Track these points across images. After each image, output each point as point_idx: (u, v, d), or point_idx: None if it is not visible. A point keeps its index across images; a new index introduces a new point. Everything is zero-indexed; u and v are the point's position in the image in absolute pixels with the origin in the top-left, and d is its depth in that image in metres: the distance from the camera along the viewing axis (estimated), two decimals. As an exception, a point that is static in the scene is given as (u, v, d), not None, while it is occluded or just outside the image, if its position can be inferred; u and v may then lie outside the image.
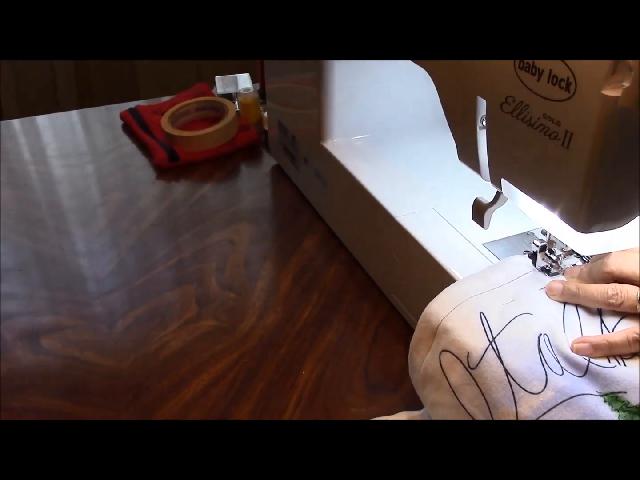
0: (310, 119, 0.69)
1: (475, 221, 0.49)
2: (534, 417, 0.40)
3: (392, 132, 0.69)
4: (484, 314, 0.44)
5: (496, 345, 0.42)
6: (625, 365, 0.42)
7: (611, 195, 0.36)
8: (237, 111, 0.92)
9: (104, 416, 0.52)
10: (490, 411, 0.42)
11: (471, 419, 0.43)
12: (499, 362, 0.42)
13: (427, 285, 0.53)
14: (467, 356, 0.43)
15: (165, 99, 1.00)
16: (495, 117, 0.40)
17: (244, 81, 0.97)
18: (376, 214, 0.60)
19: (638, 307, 0.43)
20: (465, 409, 0.43)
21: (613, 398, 0.39)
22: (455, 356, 0.44)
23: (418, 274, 0.56)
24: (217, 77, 1.01)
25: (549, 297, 0.46)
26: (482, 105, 0.41)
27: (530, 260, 0.49)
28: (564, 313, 0.45)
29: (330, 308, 0.63)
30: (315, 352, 0.58)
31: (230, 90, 0.95)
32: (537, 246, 0.48)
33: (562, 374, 0.41)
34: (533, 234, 0.54)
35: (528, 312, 0.44)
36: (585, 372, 0.41)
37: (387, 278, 0.63)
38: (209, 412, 0.52)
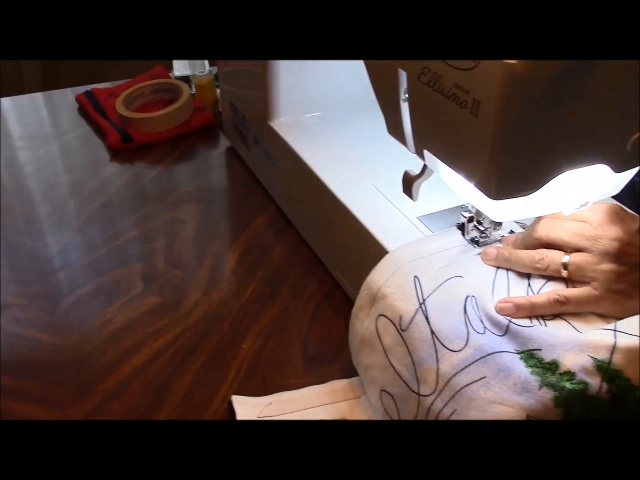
0: (258, 99, 0.70)
1: (405, 193, 0.50)
2: (452, 372, 0.42)
3: (338, 111, 0.69)
4: (418, 278, 0.46)
5: (425, 308, 0.44)
6: (546, 325, 0.44)
7: (519, 162, 0.38)
8: (193, 93, 0.92)
9: (46, 390, 0.52)
10: (415, 369, 0.44)
11: (398, 377, 0.45)
12: (426, 323, 0.44)
13: (365, 259, 0.54)
14: (400, 319, 0.45)
15: (123, 81, 1.00)
16: (414, 89, 0.42)
17: (201, 64, 0.97)
18: (318, 190, 0.61)
19: (562, 270, 0.44)
20: (394, 368, 0.45)
21: (529, 355, 0.41)
22: (390, 320, 0.46)
23: (356, 249, 0.57)
24: (174, 61, 1.01)
25: (483, 261, 0.48)
26: (404, 77, 0.42)
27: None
28: (495, 277, 0.47)
29: (275, 284, 0.64)
30: (257, 327, 0.59)
31: (186, 72, 0.96)
32: (465, 217, 0.50)
33: (484, 332, 0.43)
34: (466, 207, 0.55)
35: (459, 275, 0.46)
36: (505, 331, 0.43)
37: (330, 254, 0.64)
38: (148, 385, 0.53)
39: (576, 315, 0.45)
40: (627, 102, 0.37)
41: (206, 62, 0.98)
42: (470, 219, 0.49)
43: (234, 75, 0.77)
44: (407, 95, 0.43)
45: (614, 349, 0.40)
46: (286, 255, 0.67)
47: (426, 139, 0.43)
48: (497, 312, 0.44)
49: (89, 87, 0.99)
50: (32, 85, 1.60)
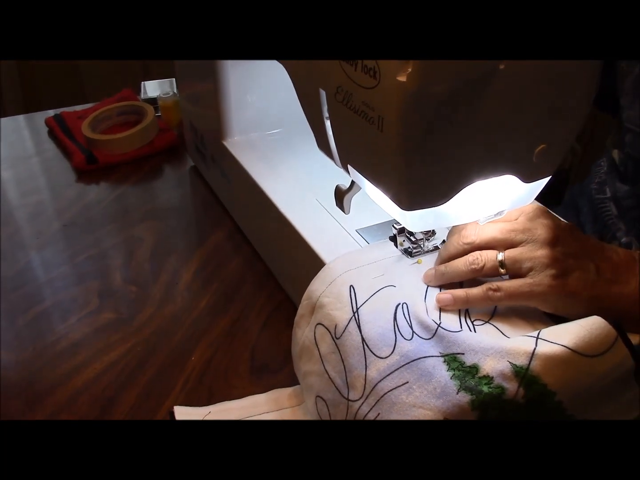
0: (214, 119, 0.72)
1: (338, 207, 0.52)
2: (378, 378, 0.43)
3: (289, 129, 0.72)
4: (353, 288, 0.48)
5: (358, 316, 0.46)
6: (475, 331, 0.46)
7: (426, 174, 0.40)
8: (159, 115, 0.95)
9: (-3, 405, 0.54)
10: (346, 375, 0.45)
11: (332, 383, 0.46)
12: (358, 331, 0.45)
13: (307, 271, 0.56)
14: (335, 327, 0.47)
15: (92, 104, 1.02)
16: (332, 107, 0.44)
17: (167, 86, 1.00)
18: (266, 206, 0.63)
19: (499, 268, 0.46)
20: (328, 375, 0.47)
21: (452, 358, 0.43)
22: (326, 328, 0.48)
23: (300, 261, 0.59)
24: (143, 83, 1.04)
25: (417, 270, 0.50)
26: (324, 96, 0.45)
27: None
28: (427, 287, 0.49)
29: (227, 298, 0.65)
30: (208, 339, 0.60)
31: (153, 94, 0.98)
32: (396, 229, 0.52)
33: (411, 338, 0.45)
34: (401, 219, 0.57)
35: (392, 285, 0.48)
36: (433, 335, 0.45)
37: (280, 268, 0.66)
38: (97, 398, 0.55)
39: (507, 321, 0.47)
40: (530, 115, 0.40)
41: (172, 84, 1.01)
42: (401, 231, 0.51)
43: (193, 96, 0.80)
44: (327, 113, 0.45)
45: (533, 355, 0.41)
46: (240, 270, 0.69)
47: (348, 155, 0.45)
48: (436, 302, 0.47)
49: (59, 111, 1.01)
50: (13, 107, 1.63)
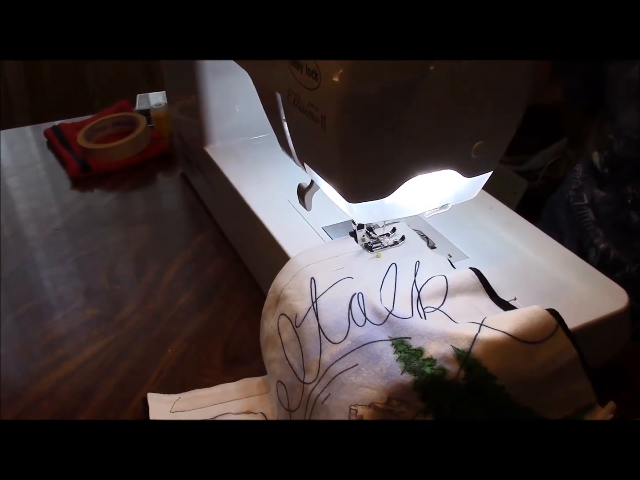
0: (196, 127, 0.76)
1: (300, 204, 0.55)
2: (331, 362, 0.46)
3: (266, 135, 0.75)
4: (314, 280, 0.51)
5: (317, 306, 0.49)
6: (425, 318, 0.48)
7: (367, 168, 0.43)
8: (151, 125, 0.99)
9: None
10: (303, 360, 0.48)
11: (291, 368, 0.49)
12: (315, 319, 0.48)
13: (277, 268, 0.59)
14: (295, 317, 0.50)
15: (89, 116, 1.07)
16: (287, 108, 0.47)
17: (160, 97, 1.04)
18: (243, 208, 0.66)
19: None
20: (288, 361, 0.50)
21: (399, 342, 0.46)
22: (288, 318, 0.51)
23: (271, 259, 0.62)
24: (138, 95, 1.08)
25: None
26: (280, 99, 0.48)
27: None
28: (384, 276, 0.52)
29: (206, 296, 0.69)
30: (185, 333, 0.64)
31: (146, 106, 1.02)
32: (356, 225, 0.55)
33: (363, 325, 0.47)
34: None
35: (350, 277, 0.51)
36: (384, 321, 0.47)
37: (256, 267, 0.69)
38: (77, 387, 0.58)
39: (456, 309, 0.49)
40: (466, 112, 0.43)
41: (164, 96, 1.05)
42: (360, 226, 0.54)
43: (179, 107, 0.84)
44: (284, 116, 0.49)
45: (474, 340, 0.44)
46: (220, 270, 0.72)
47: (303, 153, 0.49)
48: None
49: (58, 122, 1.06)
50: (21, 117, 1.70)
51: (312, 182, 0.53)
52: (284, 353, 0.51)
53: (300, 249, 0.56)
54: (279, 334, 0.52)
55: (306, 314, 0.49)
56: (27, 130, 1.10)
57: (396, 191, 0.44)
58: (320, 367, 0.47)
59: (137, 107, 1.04)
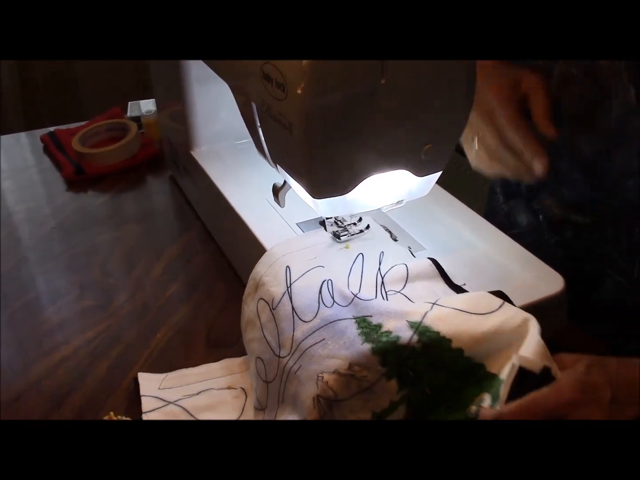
0: (183, 133, 0.82)
1: (275, 201, 0.61)
2: (302, 338, 0.52)
3: (247, 139, 0.81)
4: (289, 268, 0.57)
5: (291, 291, 0.55)
6: (387, 299, 0.55)
7: (329, 168, 0.49)
8: (142, 131, 1.05)
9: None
10: (278, 338, 0.54)
11: (268, 346, 0.55)
12: (289, 302, 0.54)
13: (256, 259, 0.65)
14: (272, 301, 0.56)
15: (84, 122, 1.13)
16: (261, 117, 0.53)
17: (151, 105, 1.10)
18: (225, 207, 0.72)
19: None
20: (266, 339, 0.56)
21: (362, 319, 0.52)
22: (266, 302, 0.56)
23: (250, 252, 0.68)
24: (129, 102, 1.14)
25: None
26: (255, 108, 0.54)
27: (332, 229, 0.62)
28: (352, 265, 0.58)
29: (192, 287, 0.75)
30: (172, 321, 0.70)
31: (137, 113, 1.08)
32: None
33: (331, 306, 0.53)
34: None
35: (321, 266, 0.57)
36: (350, 302, 0.54)
37: (237, 260, 0.75)
38: (73, 368, 0.64)
39: (415, 292, 0.55)
40: (415, 119, 0.49)
41: (153, 103, 1.11)
42: (329, 217, 0.61)
43: (168, 114, 0.90)
44: (259, 123, 0.55)
45: (425, 314, 0.50)
46: (205, 264, 0.78)
47: (275, 156, 0.55)
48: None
49: (55, 128, 1.12)
50: (15, 123, 1.76)
51: (284, 182, 0.59)
52: (262, 332, 0.57)
53: (275, 241, 0.62)
54: (258, 316, 0.58)
55: (281, 298, 0.55)
56: (22, 136, 1.15)
57: (356, 188, 0.51)
58: (293, 342, 0.53)
59: (128, 114, 1.10)
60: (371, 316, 0.52)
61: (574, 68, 0.65)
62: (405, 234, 0.64)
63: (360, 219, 0.62)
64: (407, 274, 0.57)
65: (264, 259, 0.60)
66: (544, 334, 0.50)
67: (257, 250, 0.64)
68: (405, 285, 0.57)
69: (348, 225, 0.61)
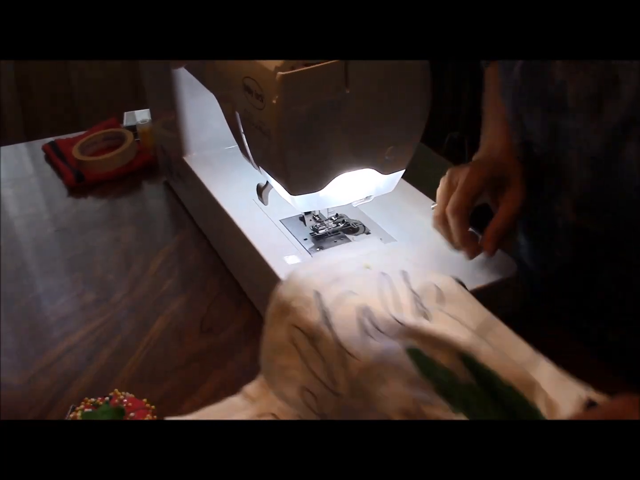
0: (176, 140, 0.89)
1: (259, 199, 0.68)
2: (359, 376, 0.50)
3: (235, 145, 0.88)
4: (318, 293, 0.54)
5: (328, 320, 0.53)
6: (430, 320, 0.54)
7: (304, 168, 0.56)
8: (138, 139, 1.12)
9: None
10: (328, 373, 0.52)
11: (317, 379, 0.53)
12: (330, 333, 0.52)
13: (242, 256, 0.72)
14: (309, 330, 0.53)
15: (82, 132, 1.19)
16: (244, 125, 0.60)
17: (145, 115, 1.17)
18: (215, 207, 0.79)
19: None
20: (313, 372, 0.53)
21: (414, 352, 0.51)
22: (302, 330, 0.54)
23: (238, 249, 0.75)
24: (125, 113, 1.21)
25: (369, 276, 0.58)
26: (239, 117, 0.61)
27: (356, 245, 0.66)
28: (381, 286, 0.57)
29: (186, 282, 0.81)
30: (168, 312, 0.76)
31: (132, 122, 1.15)
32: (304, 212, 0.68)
33: (377, 336, 0.51)
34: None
35: (353, 292, 0.55)
36: (395, 330, 0.52)
37: (228, 256, 0.82)
38: (78, 356, 0.70)
39: (456, 310, 0.55)
40: (377, 124, 0.56)
41: (148, 113, 1.18)
42: (308, 212, 0.67)
43: (162, 123, 0.97)
44: (242, 129, 0.62)
45: (475, 351, 0.50)
46: (197, 261, 0.85)
47: (258, 159, 0.62)
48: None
49: (55, 138, 1.19)
50: (14, 133, 1.83)
51: (267, 182, 0.66)
52: (306, 364, 0.53)
53: (262, 238, 0.69)
54: (294, 344, 0.55)
55: (320, 328, 0.53)
56: (21, 146, 1.22)
57: (327, 186, 0.57)
58: (351, 381, 0.51)
59: (124, 124, 1.17)
60: (421, 349, 0.51)
61: None
62: (376, 226, 0.71)
63: (336, 215, 0.69)
64: (440, 291, 0.57)
65: (288, 284, 0.57)
66: (497, 314, 0.57)
67: (245, 247, 0.71)
68: (442, 303, 0.56)
69: (326, 220, 0.68)
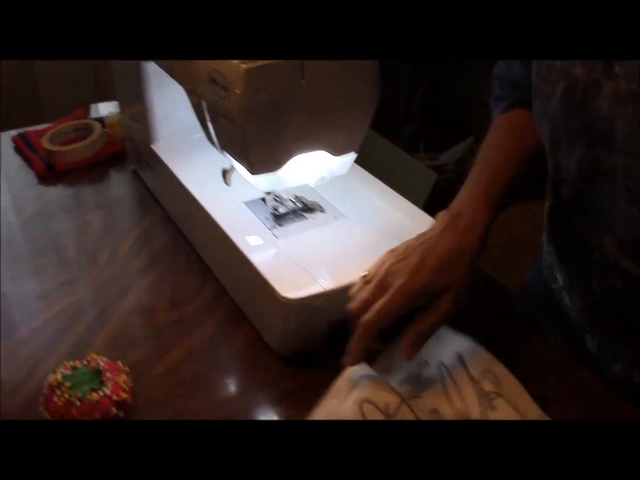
0: (144, 130, 0.94)
1: (224, 182, 0.74)
2: None
3: (200, 133, 0.94)
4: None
5: (410, 404, 0.54)
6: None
7: (263, 150, 0.63)
8: (106, 130, 1.17)
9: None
10: None
11: None
12: (412, 415, 0.53)
13: (210, 236, 0.79)
14: (385, 406, 0.53)
15: (51, 124, 1.24)
16: (210, 113, 0.67)
17: (110, 107, 1.22)
18: (183, 191, 0.85)
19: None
20: None
21: None
22: (375, 405, 0.53)
23: (205, 229, 0.81)
24: (94, 104, 1.26)
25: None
26: (205, 106, 0.67)
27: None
28: (444, 383, 0.58)
29: (153, 260, 0.87)
30: (139, 286, 0.82)
31: (97, 114, 1.20)
32: (264, 193, 0.74)
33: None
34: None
35: (417, 396, 0.57)
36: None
37: (195, 237, 0.88)
38: (62, 323, 0.76)
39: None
40: (330, 110, 0.63)
41: (115, 105, 1.23)
42: (268, 193, 0.74)
43: (130, 114, 1.02)
44: (208, 117, 0.68)
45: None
46: (165, 241, 0.91)
47: (223, 144, 0.68)
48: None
49: (22, 130, 1.23)
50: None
51: (231, 166, 0.72)
52: None
53: (227, 219, 0.75)
54: (364, 417, 0.53)
55: (400, 407, 0.53)
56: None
57: (285, 166, 0.64)
58: None
59: (92, 115, 1.22)
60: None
61: (633, 84, 0.52)
62: (330, 206, 0.78)
63: (295, 196, 0.76)
64: (495, 377, 0.58)
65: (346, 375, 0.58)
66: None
67: (211, 227, 0.77)
68: (499, 387, 0.57)
69: (285, 201, 0.75)
